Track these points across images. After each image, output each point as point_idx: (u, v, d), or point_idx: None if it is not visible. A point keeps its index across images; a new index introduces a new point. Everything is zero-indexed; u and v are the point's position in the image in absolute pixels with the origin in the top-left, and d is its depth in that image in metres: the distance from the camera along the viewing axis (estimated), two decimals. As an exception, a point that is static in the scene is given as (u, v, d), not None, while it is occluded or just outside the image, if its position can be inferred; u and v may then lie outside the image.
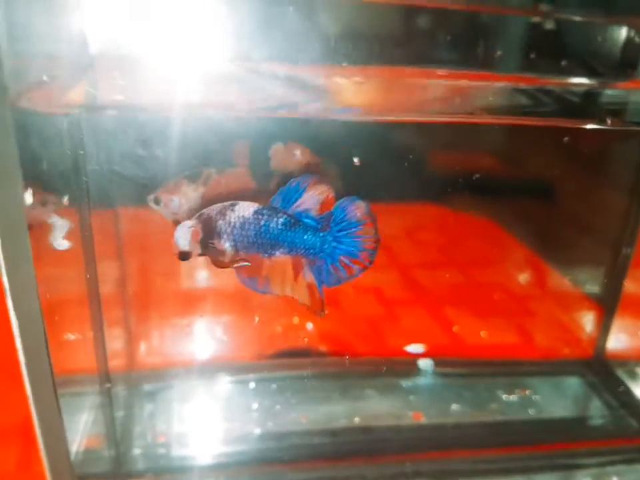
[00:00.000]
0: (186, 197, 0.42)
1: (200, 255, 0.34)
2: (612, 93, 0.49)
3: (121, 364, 0.52)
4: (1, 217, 0.27)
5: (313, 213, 0.34)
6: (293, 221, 0.34)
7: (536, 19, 0.47)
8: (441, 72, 0.44)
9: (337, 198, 0.34)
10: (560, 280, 0.66)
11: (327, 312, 0.35)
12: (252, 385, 0.55)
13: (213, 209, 0.34)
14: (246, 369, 0.57)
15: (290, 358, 0.58)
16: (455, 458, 0.52)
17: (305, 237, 0.34)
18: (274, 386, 0.56)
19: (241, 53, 0.38)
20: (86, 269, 0.40)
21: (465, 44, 0.45)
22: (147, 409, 0.52)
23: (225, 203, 0.34)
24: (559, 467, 0.52)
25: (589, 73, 0.47)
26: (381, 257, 0.77)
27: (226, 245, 0.33)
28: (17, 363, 0.61)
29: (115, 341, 0.51)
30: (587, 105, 0.48)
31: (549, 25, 0.48)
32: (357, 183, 0.50)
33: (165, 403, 0.53)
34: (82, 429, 0.44)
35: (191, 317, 0.56)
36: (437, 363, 0.62)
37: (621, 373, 0.60)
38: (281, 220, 0.33)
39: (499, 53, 0.46)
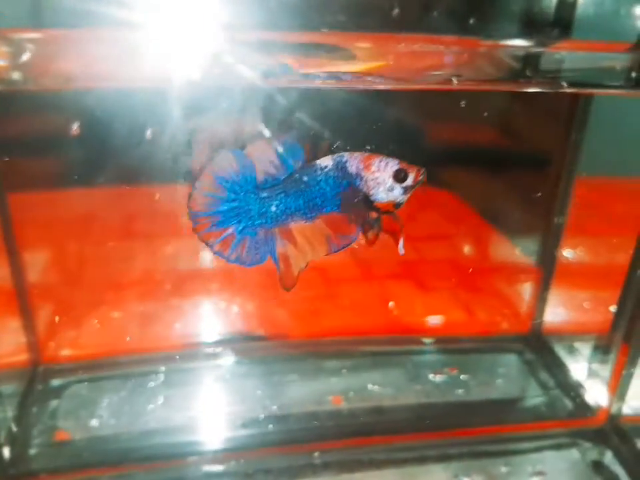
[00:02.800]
0: None
1: None
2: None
3: (22, 358, 0.51)
4: None
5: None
6: None
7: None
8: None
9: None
10: (509, 250, 0.61)
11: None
12: (161, 376, 0.54)
13: None
14: (154, 359, 0.55)
15: (204, 346, 0.56)
16: (368, 446, 0.50)
17: None
18: (184, 375, 0.54)
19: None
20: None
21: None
22: (51, 405, 0.51)
23: None
24: (477, 454, 0.50)
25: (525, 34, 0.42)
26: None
27: None
28: None
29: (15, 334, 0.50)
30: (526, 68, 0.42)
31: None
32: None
33: (72, 398, 0.52)
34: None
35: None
36: (364, 342, 0.59)
37: (559, 349, 0.56)
38: None
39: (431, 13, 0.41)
